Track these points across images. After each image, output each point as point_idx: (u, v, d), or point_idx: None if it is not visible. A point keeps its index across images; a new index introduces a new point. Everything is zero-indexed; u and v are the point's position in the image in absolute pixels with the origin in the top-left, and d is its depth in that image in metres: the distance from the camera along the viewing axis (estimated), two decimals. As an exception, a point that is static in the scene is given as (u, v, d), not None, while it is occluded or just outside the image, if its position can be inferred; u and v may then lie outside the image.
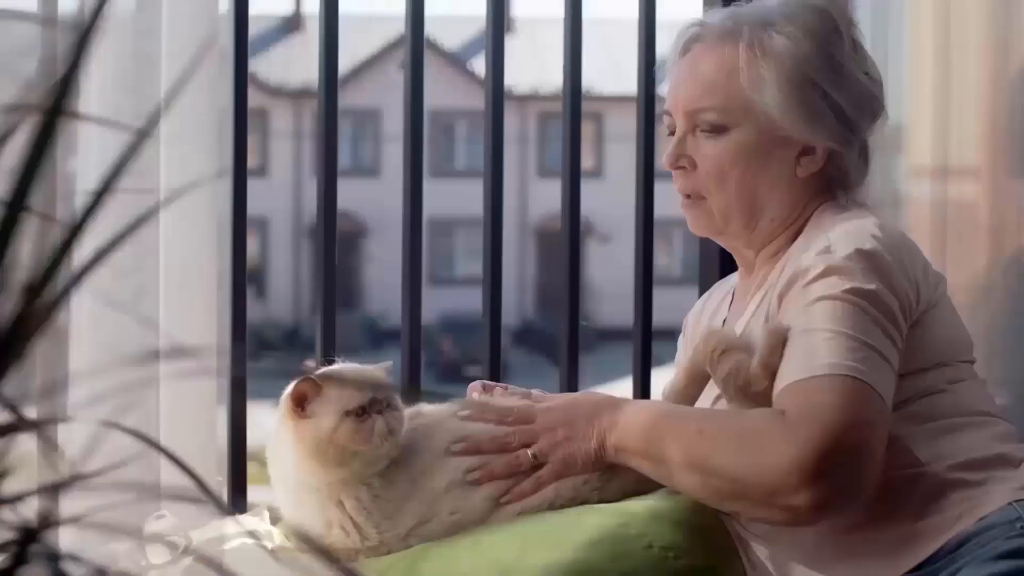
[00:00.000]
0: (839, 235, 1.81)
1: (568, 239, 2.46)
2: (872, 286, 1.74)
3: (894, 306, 1.76)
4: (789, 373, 1.72)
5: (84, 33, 0.85)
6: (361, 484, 1.84)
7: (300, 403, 1.83)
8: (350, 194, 25.19)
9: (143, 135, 0.93)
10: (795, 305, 1.78)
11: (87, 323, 1.81)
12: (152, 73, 1.90)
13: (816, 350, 1.71)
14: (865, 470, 1.68)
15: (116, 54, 1.88)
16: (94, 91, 1.84)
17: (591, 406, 1.89)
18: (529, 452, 1.88)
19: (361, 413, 1.82)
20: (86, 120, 1.72)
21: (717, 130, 1.92)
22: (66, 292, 0.95)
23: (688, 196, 1.96)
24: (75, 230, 0.95)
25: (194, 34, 1.93)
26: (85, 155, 1.79)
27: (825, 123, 1.90)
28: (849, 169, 1.94)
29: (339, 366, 1.92)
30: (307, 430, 1.83)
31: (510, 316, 26.25)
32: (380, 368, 1.92)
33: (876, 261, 1.76)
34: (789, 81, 1.88)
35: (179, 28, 1.92)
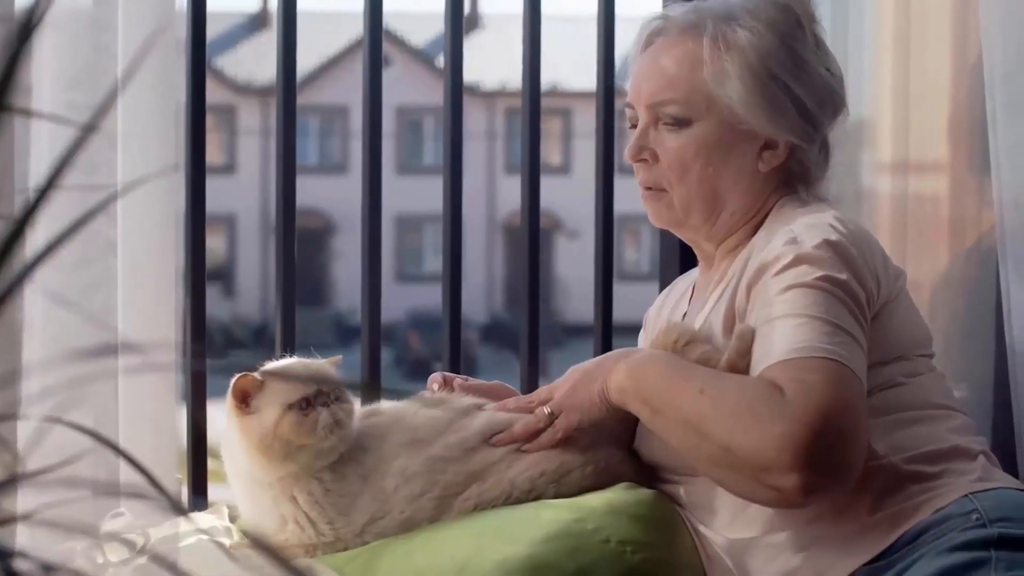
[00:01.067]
0: (803, 227, 1.82)
1: (528, 234, 2.45)
2: (843, 276, 1.75)
3: (861, 297, 1.76)
4: (770, 355, 1.72)
5: (24, 28, 0.84)
6: (312, 478, 1.84)
7: (243, 399, 1.83)
8: (318, 191, 25.19)
9: (89, 130, 0.92)
10: (766, 294, 1.78)
11: (42, 321, 1.79)
12: (108, 68, 1.89)
13: (795, 334, 1.71)
14: (853, 454, 1.68)
15: (71, 48, 1.87)
16: (47, 86, 1.83)
17: (602, 358, 1.92)
18: (545, 408, 1.90)
19: (304, 406, 1.81)
20: (29, 115, 1.71)
21: (679, 123, 1.92)
22: (14, 287, 0.94)
23: (649, 188, 1.97)
24: (21, 225, 0.94)
25: (151, 27, 1.92)
26: (38, 152, 1.77)
27: (787, 117, 1.90)
28: (810, 164, 1.94)
29: (285, 361, 1.92)
30: (252, 425, 1.83)
31: (479, 312, 26.26)
32: (329, 362, 1.91)
33: (843, 252, 1.77)
34: (752, 75, 1.88)
35: (135, 21, 1.90)
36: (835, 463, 1.66)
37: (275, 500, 1.85)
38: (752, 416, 1.68)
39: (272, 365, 1.90)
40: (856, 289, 1.76)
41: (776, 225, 1.89)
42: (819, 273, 1.75)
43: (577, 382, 1.89)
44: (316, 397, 1.82)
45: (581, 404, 1.88)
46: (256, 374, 1.84)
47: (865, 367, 1.73)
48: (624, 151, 2.00)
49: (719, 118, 1.91)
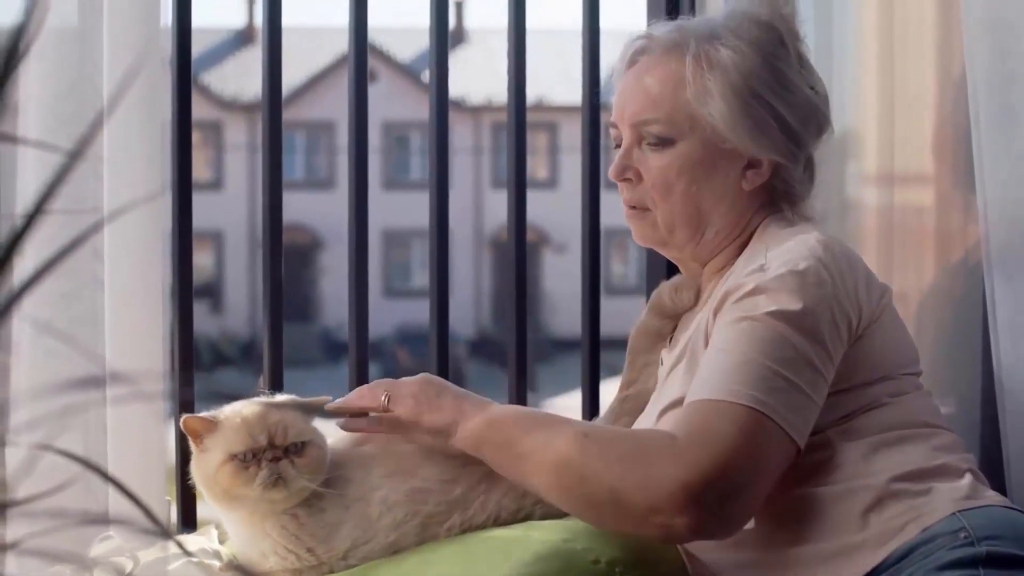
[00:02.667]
0: (777, 253, 1.81)
1: (515, 248, 2.45)
2: (796, 307, 1.73)
3: (822, 326, 1.74)
4: (696, 390, 1.72)
5: (11, 55, 0.84)
6: (284, 514, 1.82)
7: (195, 435, 1.82)
8: (304, 206, 25.19)
9: (75, 155, 0.92)
10: (722, 321, 1.77)
11: (30, 347, 1.79)
12: (94, 82, 1.89)
13: (726, 372, 1.70)
14: (746, 503, 1.68)
15: (57, 65, 1.87)
16: (33, 103, 1.82)
17: (461, 392, 1.89)
18: (384, 397, 1.88)
19: (249, 457, 1.79)
20: (15, 143, 1.70)
21: (663, 143, 1.92)
22: (5, 311, 0.94)
23: (633, 207, 1.96)
24: (10, 249, 0.94)
25: (136, 43, 1.91)
26: (24, 175, 1.77)
27: (771, 136, 1.90)
28: (794, 183, 1.94)
29: (254, 402, 1.87)
30: (200, 463, 1.83)
31: (466, 327, 26.24)
32: (311, 402, 1.88)
33: (809, 280, 1.75)
34: (735, 94, 1.88)
35: (121, 37, 1.90)
36: (726, 511, 1.67)
37: (251, 533, 1.85)
38: (642, 458, 1.68)
39: (235, 407, 1.85)
40: (812, 320, 1.74)
41: (759, 246, 1.89)
42: (770, 307, 1.73)
43: (428, 396, 1.88)
44: (264, 451, 1.79)
45: (414, 423, 1.87)
46: (209, 415, 1.82)
47: (803, 409, 1.71)
48: (608, 170, 2.00)
49: (702, 137, 1.90)
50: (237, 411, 1.84)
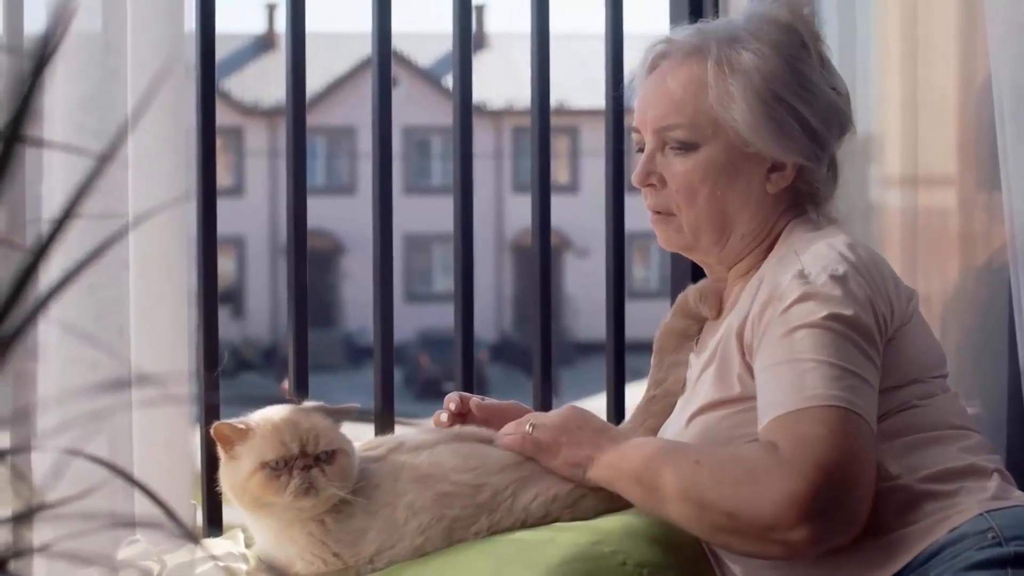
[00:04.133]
0: (811, 258, 1.80)
1: (539, 252, 2.45)
2: (850, 311, 1.74)
3: (872, 328, 1.76)
4: (777, 404, 1.72)
5: (39, 62, 0.84)
6: (311, 520, 1.82)
7: (226, 442, 1.82)
8: (326, 212, 25.22)
9: (105, 159, 0.93)
10: (773, 332, 1.77)
11: (57, 350, 1.80)
12: (118, 91, 1.90)
13: (802, 381, 1.71)
14: (859, 502, 1.68)
15: (82, 72, 1.87)
16: (59, 110, 1.83)
17: (601, 425, 1.92)
18: (528, 425, 1.91)
19: (280, 465, 1.79)
20: (45, 146, 1.71)
21: (686, 147, 1.91)
22: (32, 317, 0.95)
23: (658, 213, 1.96)
24: (38, 255, 0.94)
25: (160, 50, 1.92)
26: (49, 180, 1.78)
27: (794, 138, 1.89)
28: (819, 184, 1.93)
29: (284, 409, 1.87)
30: (230, 470, 1.83)
31: (488, 331, 26.25)
32: (339, 409, 1.88)
33: (850, 285, 1.76)
34: (757, 97, 1.88)
35: (145, 44, 1.91)
36: (842, 513, 1.67)
37: (277, 539, 1.85)
38: (750, 477, 1.69)
39: (265, 413, 1.85)
40: (865, 322, 1.75)
41: (786, 250, 1.88)
42: (825, 312, 1.74)
43: (569, 429, 1.90)
44: (296, 459, 1.79)
45: (555, 452, 1.89)
46: (240, 422, 1.83)
47: (875, 405, 1.73)
48: (631, 176, 1.99)
49: (726, 141, 1.90)
50: (268, 418, 1.84)
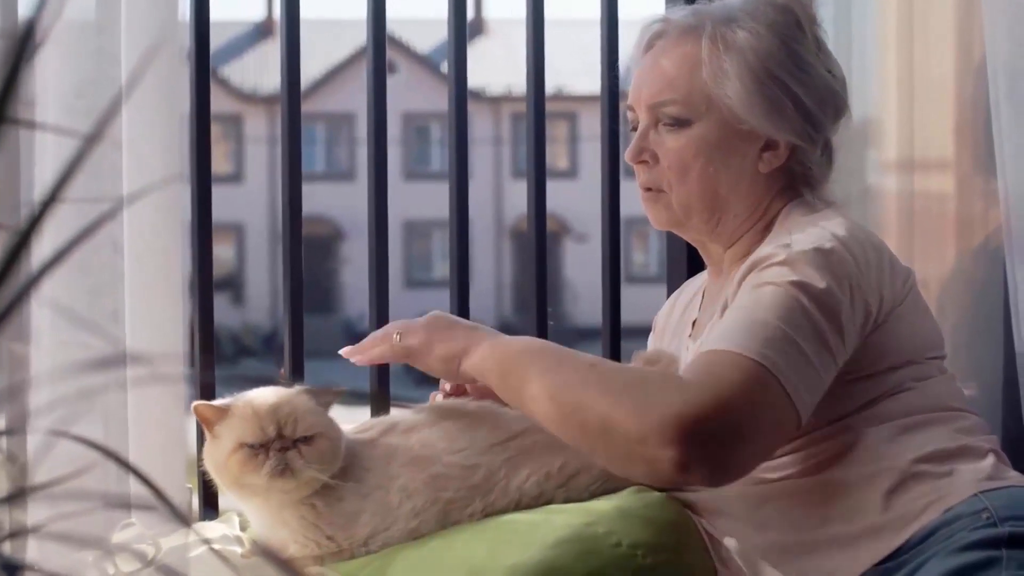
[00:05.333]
0: (802, 236, 1.81)
1: (536, 238, 2.45)
2: (821, 284, 1.73)
3: (841, 309, 1.74)
4: (711, 342, 1.73)
5: (24, 43, 0.84)
6: (302, 504, 1.83)
7: (206, 422, 1.85)
8: (325, 198, 25.22)
9: (92, 140, 0.92)
10: (746, 286, 1.78)
11: (49, 332, 1.80)
12: (112, 76, 1.89)
13: (741, 329, 1.71)
14: (737, 453, 1.67)
15: (75, 57, 1.87)
16: (51, 95, 1.83)
17: (472, 324, 1.92)
18: (396, 335, 1.92)
19: (255, 447, 1.80)
20: (33, 128, 1.71)
21: (679, 123, 1.92)
22: (20, 299, 0.94)
23: (649, 189, 1.96)
24: (26, 236, 0.94)
25: (154, 35, 1.92)
26: (42, 162, 1.77)
27: (787, 117, 1.90)
28: (812, 165, 1.93)
29: (268, 392, 1.88)
30: (211, 449, 1.85)
31: (487, 317, 26.22)
32: (329, 393, 1.89)
33: (834, 261, 1.76)
34: (751, 74, 1.88)
35: (138, 29, 1.91)
36: (718, 454, 1.66)
37: (270, 521, 1.86)
38: (643, 391, 1.69)
39: (249, 395, 1.87)
40: (834, 300, 1.74)
41: (782, 232, 1.88)
42: (795, 277, 1.73)
43: (439, 327, 1.90)
44: (272, 440, 1.80)
45: (428, 349, 1.89)
46: (221, 403, 1.85)
47: (810, 383, 1.70)
48: (625, 153, 2.00)
49: (719, 118, 1.90)
50: (249, 400, 1.85)
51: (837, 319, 1.74)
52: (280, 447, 1.80)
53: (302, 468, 1.80)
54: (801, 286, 1.73)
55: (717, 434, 1.65)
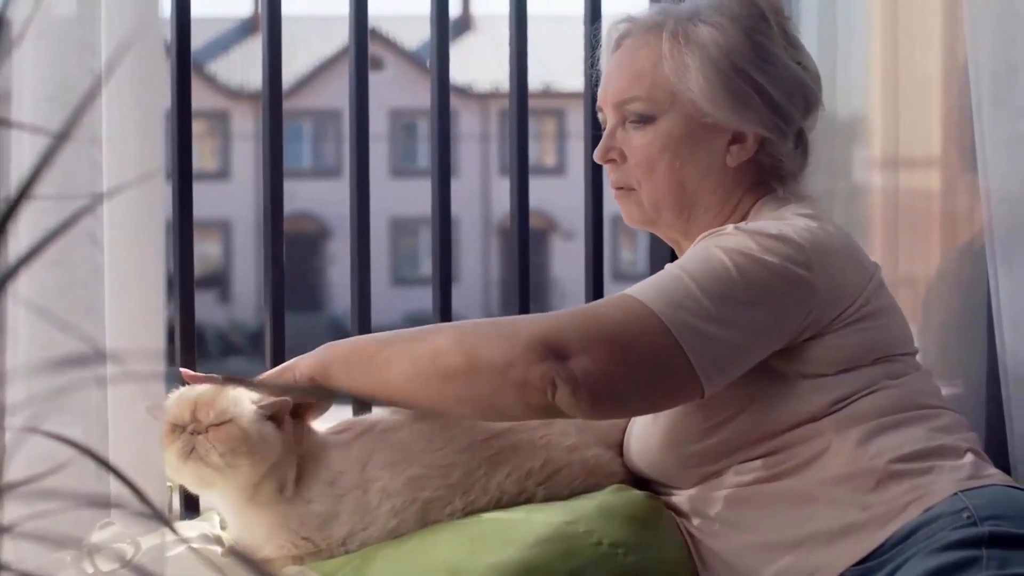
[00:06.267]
0: (764, 222, 1.82)
1: (518, 235, 2.45)
2: (765, 257, 1.74)
3: (776, 290, 1.74)
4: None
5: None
6: (260, 504, 1.85)
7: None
8: (312, 195, 25.17)
9: (62, 137, 0.91)
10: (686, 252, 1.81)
11: (25, 329, 1.78)
12: (93, 71, 1.88)
13: (650, 281, 1.73)
14: (611, 377, 1.67)
15: (54, 53, 1.86)
16: (27, 91, 1.82)
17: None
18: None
19: (175, 430, 1.83)
20: (9, 126, 1.70)
21: (645, 120, 1.93)
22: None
23: (620, 188, 1.97)
24: (-1, 231, 0.93)
25: (135, 31, 1.91)
26: (19, 159, 1.76)
27: (752, 108, 1.90)
28: (783, 158, 1.93)
29: (206, 384, 1.90)
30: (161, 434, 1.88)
31: (475, 314, 26.17)
32: (242, 392, 1.88)
33: (790, 245, 1.76)
34: (713, 67, 1.88)
35: (119, 25, 1.89)
36: (584, 368, 1.66)
37: (240, 519, 1.88)
38: (509, 323, 1.71)
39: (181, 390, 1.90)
40: (774, 279, 1.74)
41: None
42: (732, 244, 1.75)
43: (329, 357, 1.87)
44: (189, 424, 1.83)
45: (291, 368, 1.88)
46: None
47: (714, 343, 1.70)
48: (594, 153, 2.00)
49: (683, 112, 1.91)
50: (185, 390, 1.89)
51: (763, 295, 1.74)
52: (192, 430, 1.83)
53: (206, 452, 1.81)
54: (737, 252, 1.74)
55: (582, 350, 1.66)
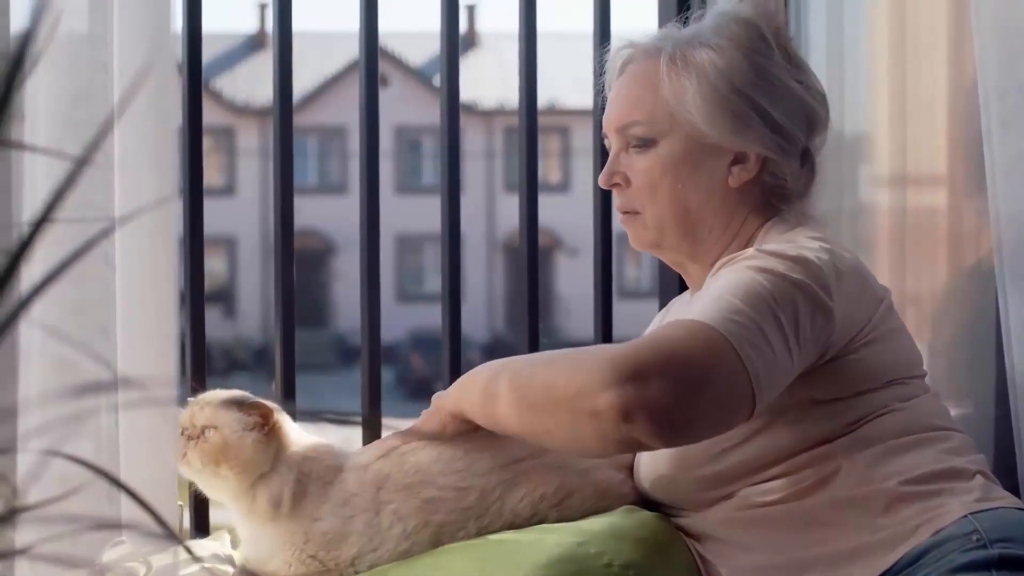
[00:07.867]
0: (776, 245, 1.82)
1: (527, 252, 2.45)
2: (792, 275, 1.73)
3: (800, 308, 1.73)
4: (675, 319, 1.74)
5: (16, 63, 0.83)
6: (264, 520, 1.86)
7: None
8: (318, 211, 25.21)
9: (82, 163, 0.92)
10: (710, 279, 1.81)
11: (39, 352, 1.79)
12: (105, 88, 1.89)
13: (700, 306, 1.72)
14: (685, 402, 1.64)
15: (68, 70, 1.86)
16: (42, 109, 1.82)
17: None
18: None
19: (183, 434, 1.89)
20: (24, 149, 1.70)
21: (646, 144, 1.93)
22: (12, 319, 0.94)
23: (626, 212, 1.97)
24: (16, 258, 0.94)
25: (147, 48, 1.91)
26: (32, 180, 1.77)
27: (753, 128, 1.89)
28: (787, 178, 1.92)
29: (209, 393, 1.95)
30: None
31: (480, 331, 26.23)
32: (234, 406, 1.91)
33: (811, 269, 1.75)
34: (711, 88, 1.88)
35: (131, 42, 1.90)
36: (658, 397, 1.62)
37: (253, 534, 1.89)
38: (585, 352, 1.71)
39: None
40: (800, 298, 1.73)
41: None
42: (761, 264, 1.74)
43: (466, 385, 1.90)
44: (185, 430, 1.88)
45: (441, 406, 1.91)
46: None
47: (763, 358, 1.67)
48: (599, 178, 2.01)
49: (683, 135, 1.91)
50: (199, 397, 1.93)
51: (795, 317, 1.72)
52: (188, 435, 1.88)
53: (193, 458, 1.86)
54: (767, 271, 1.73)
55: (657, 376, 1.62)
